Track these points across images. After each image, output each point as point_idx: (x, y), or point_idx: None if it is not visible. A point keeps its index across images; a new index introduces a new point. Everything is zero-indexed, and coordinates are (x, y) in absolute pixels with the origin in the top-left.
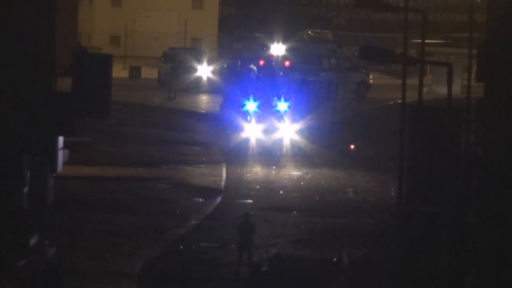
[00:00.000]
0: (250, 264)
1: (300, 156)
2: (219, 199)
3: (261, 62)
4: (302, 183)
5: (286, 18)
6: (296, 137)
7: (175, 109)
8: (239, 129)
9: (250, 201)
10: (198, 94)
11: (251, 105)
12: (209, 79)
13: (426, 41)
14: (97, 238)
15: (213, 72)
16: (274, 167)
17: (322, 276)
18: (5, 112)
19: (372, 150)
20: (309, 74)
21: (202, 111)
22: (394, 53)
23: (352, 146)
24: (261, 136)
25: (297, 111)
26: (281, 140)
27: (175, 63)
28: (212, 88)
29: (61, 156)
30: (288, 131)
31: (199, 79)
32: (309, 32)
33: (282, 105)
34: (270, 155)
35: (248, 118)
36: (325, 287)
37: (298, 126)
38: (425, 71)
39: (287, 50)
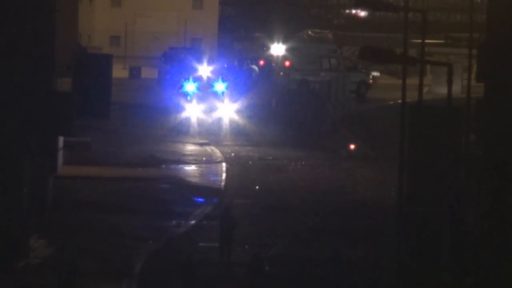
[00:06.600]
0: (231, 262)
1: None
2: (219, 199)
3: (261, 62)
4: (302, 182)
5: (286, 18)
6: (236, 117)
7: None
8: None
9: (248, 201)
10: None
11: (190, 86)
12: (209, 78)
13: (426, 41)
14: (97, 238)
15: (213, 72)
16: (274, 170)
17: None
18: (5, 112)
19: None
20: (309, 74)
21: None
22: (394, 53)
23: (352, 146)
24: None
25: (236, 91)
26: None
27: (175, 63)
28: None
29: (61, 156)
30: (227, 110)
31: (199, 79)
32: (309, 32)
33: (220, 86)
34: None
35: (189, 98)
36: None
37: (237, 106)
38: (425, 71)
39: (287, 50)
